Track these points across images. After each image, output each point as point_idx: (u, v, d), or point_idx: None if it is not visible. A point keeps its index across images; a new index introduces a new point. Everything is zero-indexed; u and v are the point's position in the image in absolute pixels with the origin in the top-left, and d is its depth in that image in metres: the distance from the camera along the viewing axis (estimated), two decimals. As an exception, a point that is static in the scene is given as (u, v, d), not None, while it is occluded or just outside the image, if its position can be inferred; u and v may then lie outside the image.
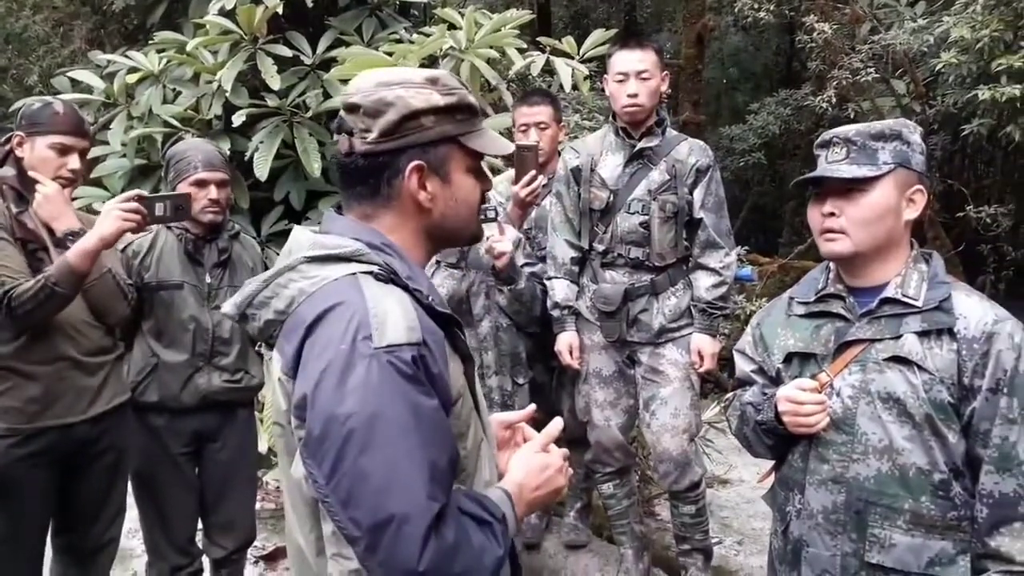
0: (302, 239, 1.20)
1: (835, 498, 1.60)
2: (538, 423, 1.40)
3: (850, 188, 1.58)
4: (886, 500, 1.55)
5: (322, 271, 1.14)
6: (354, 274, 1.12)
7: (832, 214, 1.60)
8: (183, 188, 2.48)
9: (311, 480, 1.07)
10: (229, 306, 1.21)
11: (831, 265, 1.72)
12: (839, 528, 1.60)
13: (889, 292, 1.59)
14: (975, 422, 1.51)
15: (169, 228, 2.56)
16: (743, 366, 1.84)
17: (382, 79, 1.20)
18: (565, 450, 1.33)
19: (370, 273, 1.13)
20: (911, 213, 1.61)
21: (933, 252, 1.67)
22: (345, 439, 1.02)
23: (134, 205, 2.20)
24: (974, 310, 1.54)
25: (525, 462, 1.27)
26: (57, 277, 2.11)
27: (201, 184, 2.50)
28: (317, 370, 1.06)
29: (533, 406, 1.46)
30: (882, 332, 1.58)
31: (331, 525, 1.07)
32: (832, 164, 1.61)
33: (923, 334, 1.55)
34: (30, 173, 2.25)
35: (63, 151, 2.28)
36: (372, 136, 1.17)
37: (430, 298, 1.16)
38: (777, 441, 1.71)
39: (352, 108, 1.20)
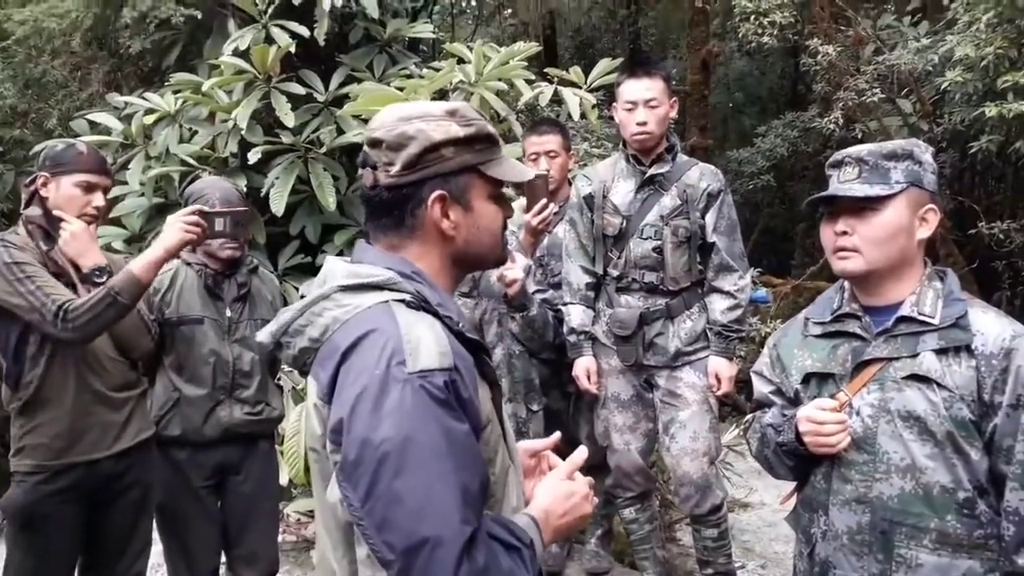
0: (336, 269, 1.23)
1: (860, 518, 1.60)
2: (558, 451, 1.41)
3: (863, 207, 1.59)
4: (911, 519, 1.54)
5: (356, 299, 1.17)
6: (387, 302, 1.15)
7: (845, 232, 1.61)
8: None
9: (346, 503, 1.09)
10: (265, 334, 1.24)
11: (845, 284, 1.73)
12: (865, 549, 1.59)
13: (905, 310, 1.60)
14: (997, 438, 1.50)
15: (189, 265, 2.61)
16: (761, 388, 1.84)
17: (403, 113, 1.24)
18: (590, 478, 1.34)
19: (402, 301, 1.16)
20: (924, 232, 1.62)
21: (948, 269, 1.68)
22: (380, 463, 1.04)
23: (195, 218, 2.29)
24: (991, 326, 1.54)
25: (551, 489, 1.28)
26: (120, 286, 2.17)
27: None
28: (352, 395, 1.08)
29: (558, 434, 1.47)
30: (899, 350, 1.58)
31: (365, 549, 1.09)
32: (844, 183, 1.62)
33: (941, 351, 1.55)
34: (56, 212, 2.30)
35: (88, 189, 2.34)
36: (395, 169, 1.21)
37: (460, 324, 1.19)
38: (798, 462, 1.70)
39: (375, 143, 1.23)
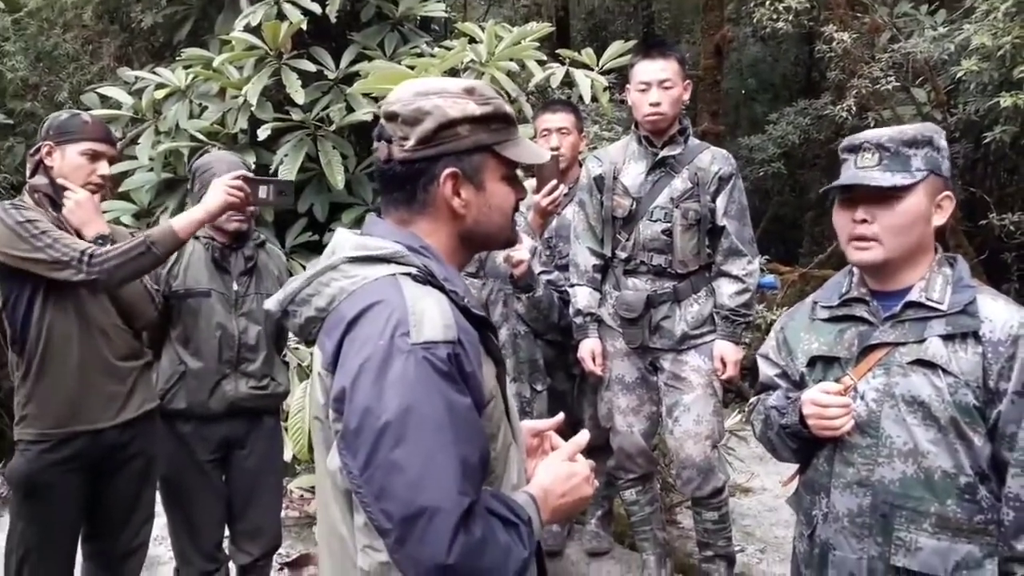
0: (345, 240, 1.24)
1: (860, 501, 1.60)
2: (561, 432, 1.42)
3: (885, 196, 1.57)
4: (911, 503, 1.55)
5: (363, 271, 1.18)
6: (394, 275, 1.16)
7: (865, 220, 1.59)
8: None
9: (345, 471, 1.10)
10: (272, 302, 1.25)
11: (854, 269, 1.72)
12: (865, 531, 1.60)
13: (913, 296, 1.59)
14: (1001, 425, 1.50)
15: (196, 238, 2.61)
16: (767, 370, 1.84)
17: (420, 89, 1.24)
18: (591, 461, 1.35)
19: (409, 274, 1.16)
20: (939, 219, 1.61)
21: (958, 256, 1.67)
22: (381, 432, 1.05)
23: (240, 183, 2.31)
24: (1000, 313, 1.54)
25: (552, 469, 1.29)
26: (157, 237, 2.20)
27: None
28: (356, 364, 1.09)
29: (562, 415, 1.48)
30: (906, 336, 1.58)
31: (363, 517, 1.10)
32: (863, 170, 1.60)
33: (948, 337, 1.55)
34: (60, 181, 2.31)
35: (94, 157, 2.34)
36: (410, 144, 1.21)
37: (465, 299, 1.19)
38: (801, 445, 1.71)
39: (391, 116, 1.24)
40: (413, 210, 1.25)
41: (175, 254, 2.56)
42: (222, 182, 2.30)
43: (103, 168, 2.36)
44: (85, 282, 2.16)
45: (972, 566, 1.51)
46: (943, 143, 1.62)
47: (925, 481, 1.54)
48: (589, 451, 3.48)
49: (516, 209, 1.33)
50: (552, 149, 3.05)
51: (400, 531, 1.04)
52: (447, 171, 1.22)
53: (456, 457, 1.06)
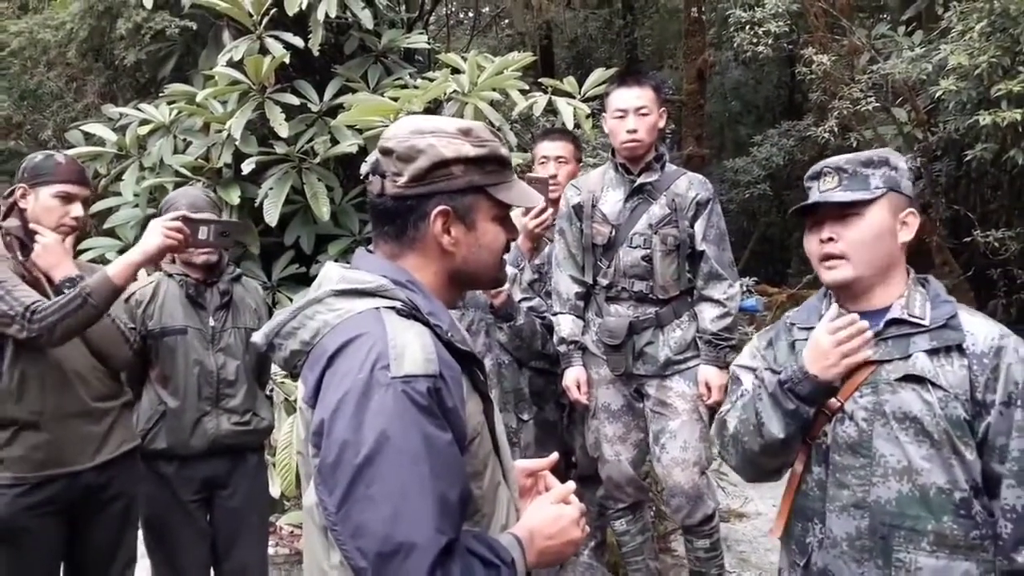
0: (331, 273, 1.25)
1: (859, 524, 1.58)
2: (555, 467, 1.41)
3: (846, 213, 1.61)
4: (908, 522, 1.54)
5: (347, 304, 1.18)
6: (378, 308, 1.16)
7: (831, 239, 1.63)
8: None
9: (321, 507, 1.10)
10: (259, 335, 1.26)
11: (831, 292, 1.73)
12: (865, 555, 1.57)
13: (895, 313, 1.61)
14: (991, 437, 1.51)
15: (170, 276, 2.60)
16: (744, 376, 1.79)
17: (417, 127, 1.25)
18: (583, 505, 1.33)
19: (393, 308, 1.17)
20: (906, 235, 1.64)
21: (929, 276, 1.69)
22: (358, 468, 1.05)
23: (178, 224, 2.26)
24: (980, 326, 1.56)
25: (540, 510, 1.28)
26: (94, 287, 2.14)
27: None
28: (335, 398, 1.09)
29: (556, 455, 1.47)
30: (891, 353, 1.59)
31: (339, 554, 1.09)
32: (825, 193, 1.65)
33: (933, 352, 1.56)
34: (31, 225, 2.30)
35: (67, 199, 2.33)
36: (402, 180, 1.22)
37: (450, 334, 1.19)
38: (793, 416, 1.59)
39: (386, 152, 1.25)
40: (403, 244, 1.25)
41: (150, 293, 2.55)
42: (160, 223, 2.25)
43: (76, 210, 2.35)
44: (29, 339, 2.12)
45: None
46: (901, 164, 1.67)
47: (921, 499, 1.53)
48: (581, 480, 3.46)
49: (507, 249, 1.34)
50: (550, 177, 3.07)
51: (375, 569, 1.03)
52: (438, 209, 1.22)
53: (433, 493, 1.05)
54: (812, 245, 1.68)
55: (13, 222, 2.32)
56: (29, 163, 2.36)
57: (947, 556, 1.51)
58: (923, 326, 1.57)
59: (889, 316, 1.61)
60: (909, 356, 1.57)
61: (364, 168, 1.30)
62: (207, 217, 2.43)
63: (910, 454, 1.54)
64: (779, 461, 1.72)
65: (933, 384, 1.53)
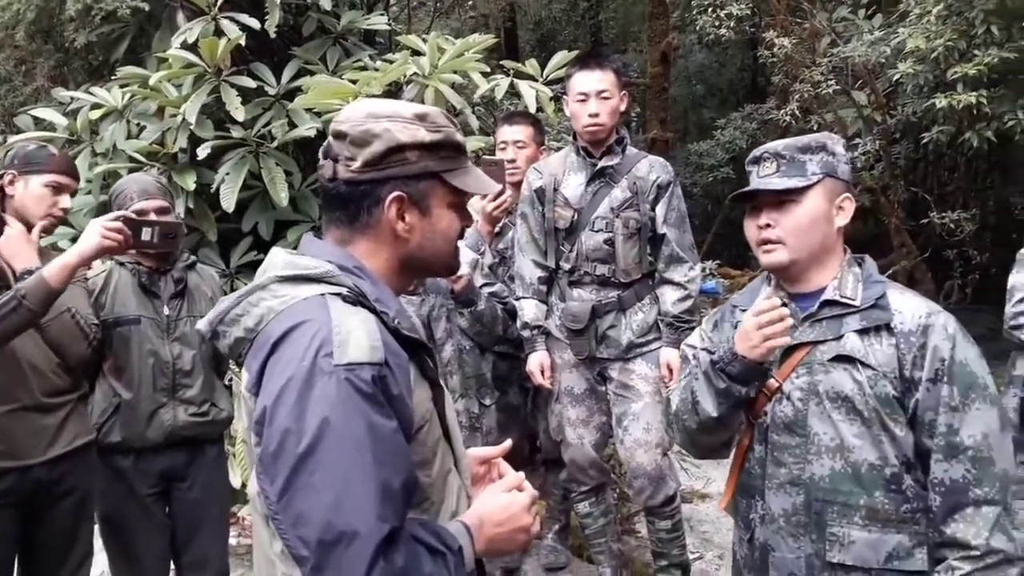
0: (276, 259, 1.22)
1: (794, 500, 1.63)
2: (515, 446, 1.40)
3: (783, 200, 1.64)
4: (841, 498, 1.58)
5: (292, 290, 1.16)
6: (323, 295, 1.14)
7: (768, 225, 1.66)
8: None
9: (263, 496, 1.08)
10: (203, 323, 1.23)
11: (771, 275, 1.77)
12: (800, 530, 1.62)
13: (828, 295, 1.64)
14: (920, 413, 1.54)
15: (123, 264, 2.54)
16: (692, 356, 1.83)
17: (372, 111, 1.22)
18: (535, 492, 1.32)
19: (339, 295, 1.15)
20: (842, 220, 1.68)
21: (866, 256, 1.73)
22: (299, 456, 1.03)
23: (118, 225, 2.17)
24: (908, 305, 1.60)
25: (490, 498, 1.27)
26: (27, 290, 2.07)
27: (141, 214, 2.46)
28: (278, 386, 1.07)
29: (509, 442, 1.46)
30: (824, 333, 1.63)
31: (280, 543, 1.07)
32: (764, 178, 1.68)
33: (863, 332, 1.60)
34: (7, 212, 2.26)
35: (57, 189, 2.33)
36: (356, 165, 1.20)
37: (397, 321, 1.17)
38: (725, 395, 1.62)
39: (340, 135, 1.22)
40: (355, 230, 1.23)
41: (101, 283, 2.49)
42: (99, 223, 2.17)
43: (65, 201, 2.36)
44: None
45: (903, 555, 1.55)
46: (839, 149, 1.70)
47: (853, 475, 1.57)
48: (545, 463, 3.46)
49: (461, 236, 1.32)
50: (508, 161, 3.06)
51: (316, 558, 1.01)
52: (393, 195, 1.20)
53: (376, 481, 1.04)
54: (751, 230, 1.72)
55: None
56: (21, 150, 2.36)
57: (879, 530, 1.56)
58: (854, 307, 1.61)
59: (823, 298, 1.65)
60: (841, 337, 1.61)
61: (323, 152, 1.28)
62: (150, 219, 2.36)
63: (842, 432, 1.58)
64: (717, 439, 1.75)
65: (863, 363, 1.57)
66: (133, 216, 2.26)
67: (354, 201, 1.22)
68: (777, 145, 1.70)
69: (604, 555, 3.12)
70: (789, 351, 1.65)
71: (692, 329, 2.84)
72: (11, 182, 2.30)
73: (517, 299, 2.99)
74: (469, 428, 2.83)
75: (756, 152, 1.73)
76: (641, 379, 2.88)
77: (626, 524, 3.95)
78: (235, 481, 3.33)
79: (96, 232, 2.14)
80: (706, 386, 1.66)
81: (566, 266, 2.91)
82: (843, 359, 1.59)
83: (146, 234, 2.26)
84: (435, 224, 1.25)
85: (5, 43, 5.46)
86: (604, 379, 2.96)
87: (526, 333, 2.95)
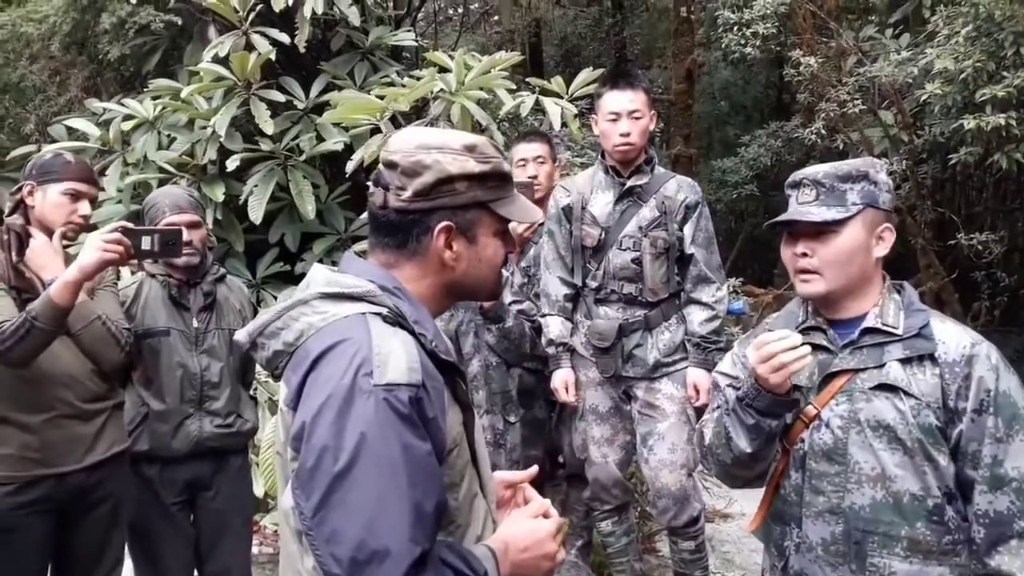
0: (319, 276, 1.24)
1: (833, 529, 1.60)
2: (540, 466, 1.40)
3: (821, 230, 1.62)
4: (882, 528, 1.56)
5: (333, 308, 1.17)
6: (364, 314, 1.16)
7: (805, 255, 1.63)
8: None
9: (297, 512, 1.09)
10: (242, 334, 1.24)
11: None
12: (840, 559, 1.59)
13: (869, 322, 1.62)
14: (963, 444, 1.53)
15: (153, 276, 2.57)
16: (724, 384, 1.80)
17: (423, 141, 1.24)
18: (562, 519, 1.32)
19: (379, 314, 1.16)
20: (881, 250, 1.65)
21: (905, 283, 1.70)
22: (336, 474, 1.04)
23: (117, 236, 2.16)
24: (952, 335, 1.58)
25: (516, 523, 1.27)
26: (38, 311, 2.09)
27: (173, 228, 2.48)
28: (317, 403, 1.08)
29: (535, 468, 1.47)
30: (865, 361, 1.60)
31: (312, 559, 1.08)
32: (803, 206, 1.65)
33: (906, 361, 1.58)
34: (31, 224, 2.27)
35: (76, 197, 2.32)
36: (406, 195, 1.22)
37: (434, 343, 1.18)
38: (756, 424, 1.60)
39: (391, 165, 1.24)
40: (402, 256, 1.25)
41: (132, 294, 2.52)
42: (98, 236, 2.14)
43: (84, 208, 2.33)
44: None
45: None
46: (881, 177, 1.65)
47: (894, 505, 1.55)
48: (569, 479, 3.44)
49: (505, 263, 1.33)
50: (530, 178, 3.08)
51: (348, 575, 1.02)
52: (441, 224, 1.22)
53: (410, 502, 1.04)
54: (788, 256, 1.70)
55: (16, 219, 2.30)
56: (37, 160, 2.35)
57: (920, 561, 1.53)
58: (896, 335, 1.59)
59: (863, 325, 1.63)
60: (883, 365, 1.58)
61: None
62: (150, 227, 2.37)
63: (884, 461, 1.56)
64: (752, 472, 1.73)
65: (906, 393, 1.55)
66: (131, 226, 2.25)
67: (403, 229, 1.23)
68: (818, 172, 1.65)
69: (626, 574, 3.10)
70: (828, 378, 1.63)
71: (719, 349, 2.85)
72: (30, 193, 2.30)
73: (542, 316, 2.99)
74: (493, 444, 2.83)
75: (797, 176, 1.69)
76: (667, 399, 2.86)
77: (648, 543, 3.93)
78: (258, 490, 3.35)
79: (96, 245, 2.13)
80: (737, 423, 1.64)
81: (593, 284, 2.91)
82: (885, 388, 1.57)
83: (146, 243, 2.25)
84: (481, 252, 1.27)
85: (41, 54, 5.58)
86: (629, 398, 2.95)
87: (551, 350, 2.95)
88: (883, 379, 1.57)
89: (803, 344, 1.53)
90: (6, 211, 2.35)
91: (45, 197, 2.29)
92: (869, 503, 1.57)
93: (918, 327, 1.59)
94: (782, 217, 1.67)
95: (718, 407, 1.78)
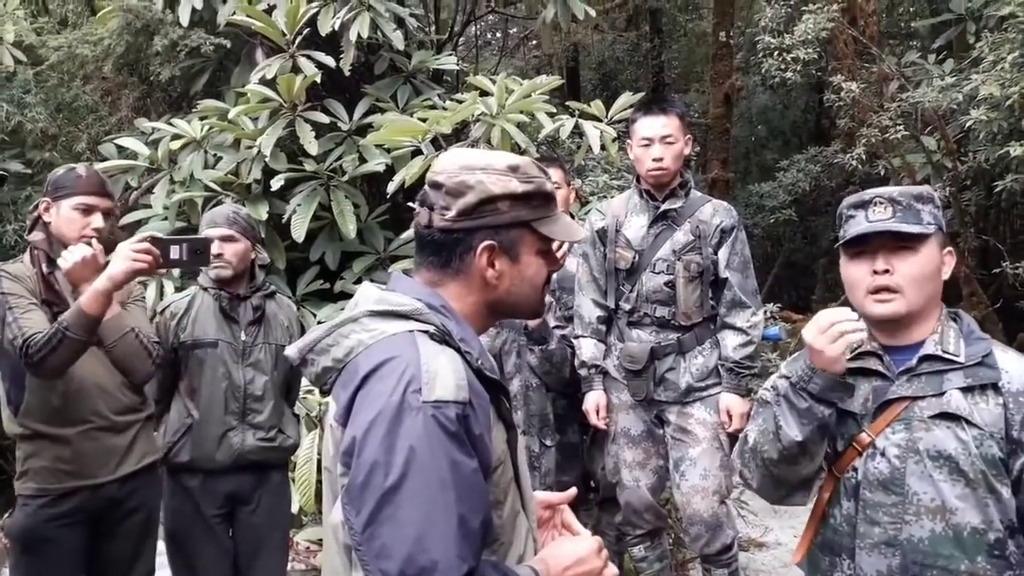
0: (369, 294, 1.27)
1: (890, 562, 1.56)
2: (572, 486, 1.41)
3: (900, 247, 1.58)
4: (942, 561, 1.51)
5: (382, 325, 1.20)
6: (412, 331, 1.18)
7: (887, 271, 1.58)
8: None
9: (347, 527, 1.11)
10: (292, 349, 1.27)
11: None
12: None
13: (928, 349, 1.58)
14: None
15: (206, 289, 2.63)
16: (771, 384, 1.74)
17: (467, 162, 1.27)
18: (599, 538, 1.33)
19: (426, 332, 1.18)
20: (946, 273, 1.63)
21: (960, 311, 1.67)
22: (386, 490, 1.06)
23: (146, 246, 2.20)
24: (1014, 364, 1.55)
25: (560, 544, 1.29)
26: (69, 321, 2.13)
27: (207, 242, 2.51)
28: (367, 419, 1.10)
29: (574, 490, 1.48)
30: (924, 389, 1.56)
31: (361, 574, 1.09)
32: (880, 222, 1.60)
33: (967, 389, 1.54)
34: (51, 239, 2.33)
35: (87, 211, 2.34)
36: (451, 215, 1.25)
37: (480, 362, 1.20)
38: (808, 415, 1.57)
39: (436, 185, 1.27)
40: (446, 274, 1.27)
41: (184, 306, 2.59)
42: (127, 246, 2.17)
43: (97, 221, 2.34)
44: (28, 369, 2.16)
45: None
46: (939, 203, 1.65)
47: (954, 538, 1.51)
48: (602, 503, 3.42)
49: (548, 281, 1.35)
50: None
51: None
52: (484, 243, 1.25)
53: (457, 518, 1.06)
54: (859, 274, 1.63)
55: (38, 235, 2.36)
56: (52, 177, 2.39)
57: None
58: (958, 363, 1.55)
59: (923, 352, 1.59)
60: (943, 393, 1.55)
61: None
62: (178, 237, 2.40)
63: (944, 493, 1.52)
64: (797, 472, 1.66)
65: (968, 422, 1.51)
66: (160, 236, 2.29)
67: (447, 248, 1.26)
68: (892, 191, 1.63)
69: (657, 601, 3.08)
70: (884, 406, 1.60)
71: (753, 375, 2.83)
72: (47, 209, 2.35)
73: (575, 338, 3.01)
74: (528, 466, 2.84)
75: (866, 195, 1.64)
76: (699, 424, 2.85)
77: (681, 571, 3.88)
78: (293, 506, 3.39)
79: (125, 255, 2.17)
80: (788, 409, 1.60)
81: (626, 307, 2.92)
82: (947, 417, 1.53)
83: (174, 252, 2.27)
84: (523, 271, 1.29)
85: (94, 75, 5.76)
86: (661, 422, 2.94)
87: (583, 372, 2.96)
88: (944, 407, 1.54)
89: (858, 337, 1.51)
90: (27, 229, 2.40)
91: (59, 213, 2.33)
92: (928, 536, 1.53)
93: (981, 355, 1.55)
94: (862, 229, 1.61)
95: (764, 406, 1.73)
